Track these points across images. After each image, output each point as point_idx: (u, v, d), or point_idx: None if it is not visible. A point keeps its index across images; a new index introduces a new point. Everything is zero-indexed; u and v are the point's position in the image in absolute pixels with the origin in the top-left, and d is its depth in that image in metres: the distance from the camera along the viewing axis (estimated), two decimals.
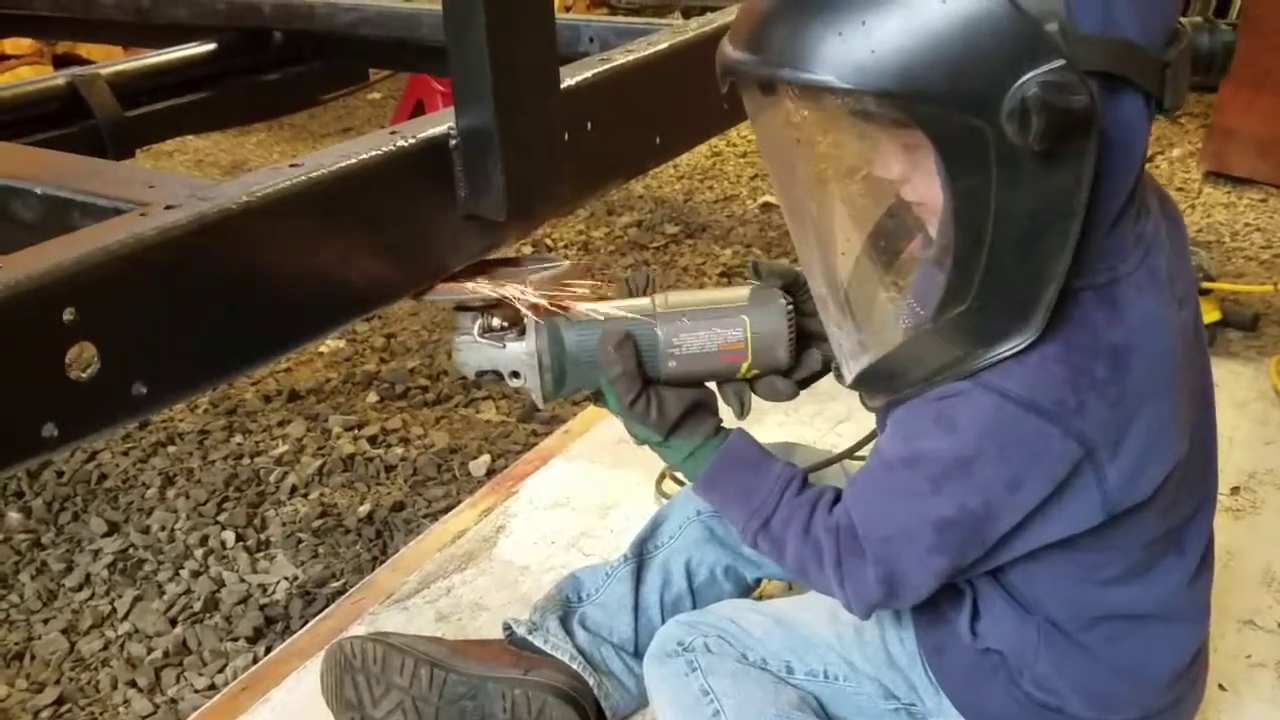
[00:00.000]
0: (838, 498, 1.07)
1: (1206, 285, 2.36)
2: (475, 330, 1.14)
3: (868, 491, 1.03)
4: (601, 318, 1.13)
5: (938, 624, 1.15)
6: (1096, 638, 1.07)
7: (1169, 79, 0.84)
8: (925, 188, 0.90)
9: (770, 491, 1.09)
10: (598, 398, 1.16)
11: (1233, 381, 2.15)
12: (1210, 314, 2.32)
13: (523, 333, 1.13)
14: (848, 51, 0.80)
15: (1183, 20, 0.88)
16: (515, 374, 1.13)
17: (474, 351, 1.15)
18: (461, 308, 1.17)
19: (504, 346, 1.13)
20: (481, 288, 1.14)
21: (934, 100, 0.81)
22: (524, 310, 1.13)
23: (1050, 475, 0.93)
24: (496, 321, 1.14)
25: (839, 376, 1.06)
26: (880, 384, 1.01)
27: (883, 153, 0.92)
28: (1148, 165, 0.95)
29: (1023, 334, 0.89)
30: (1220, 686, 1.39)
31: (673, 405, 1.11)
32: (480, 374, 1.15)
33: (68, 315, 0.85)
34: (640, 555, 1.41)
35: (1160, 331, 0.94)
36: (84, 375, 0.87)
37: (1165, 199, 1.04)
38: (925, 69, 0.79)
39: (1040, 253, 0.85)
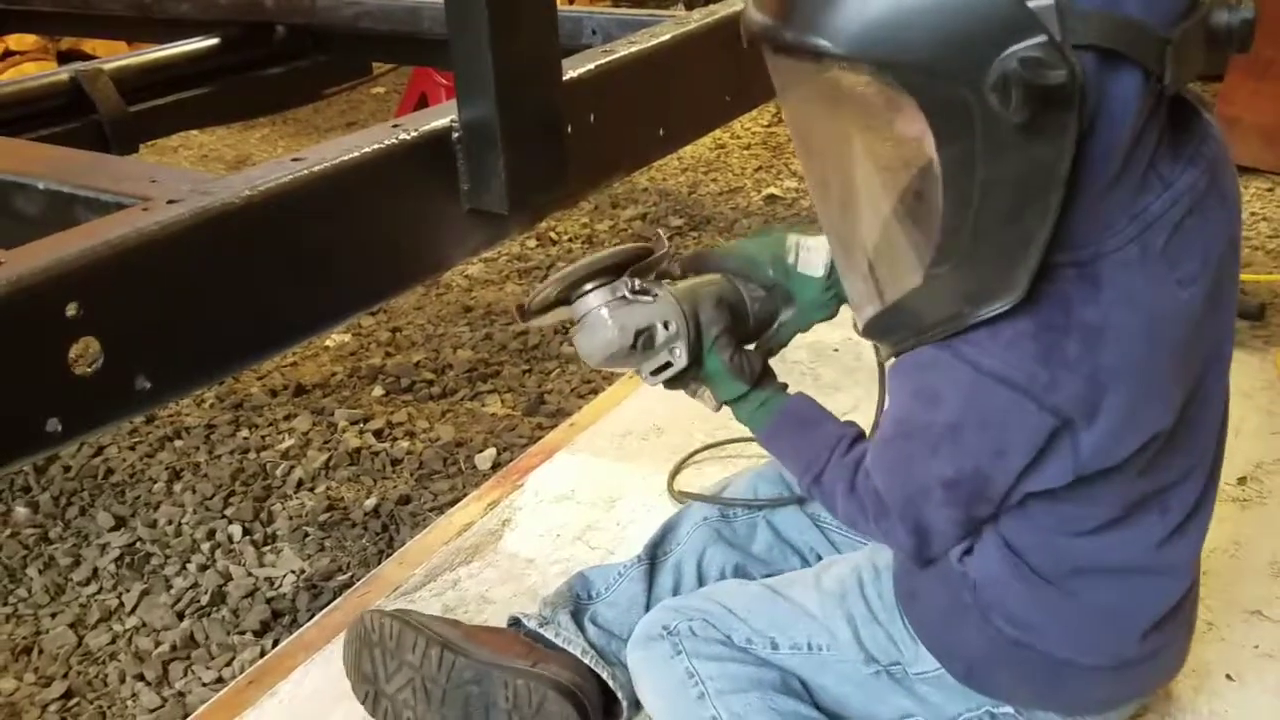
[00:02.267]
0: None
1: None
2: (626, 291, 1.17)
3: (880, 460, 1.10)
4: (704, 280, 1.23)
5: (913, 569, 1.18)
6: (1075, 584, 1.10)
7: (1170, 56, 0.83)
8: (918, 150, 0.91)
9: (823, 449, 1.17)
10: (683, 375, 1.21)
11: (1239, 371, 2.10)
12: None
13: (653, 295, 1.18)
14: (842, 16, 0.83)
15: None
16: (666, 323, 1.17)
17: (628, 311, 1.17)
18: (579, 293, 1.18)
19: (654, 299, 1.17)
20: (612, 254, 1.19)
21: (922, 69, 0.82)
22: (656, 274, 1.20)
23: (1030, 443, 0.97)
24: (638, 282, 1.17)
25: (855, 325, 1.10)
26: (883, 334, 1.05)
27: (879, 114, 0.93)
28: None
29: (1007, 296, 0.91)
30: (1227, 676, 1.39)
31: (756, 359, 1.22)
32: (638, 333, 1.17)
33: (71, 310, 0.85)
34: (653, 559, 1.43)
35: (1141, 311, 0.94)
36: (87, 370, 0.87)
37: (1218, 169, 0.99)
38: (914, 38, 0.81)
39: (1023, 219, 0.87)
